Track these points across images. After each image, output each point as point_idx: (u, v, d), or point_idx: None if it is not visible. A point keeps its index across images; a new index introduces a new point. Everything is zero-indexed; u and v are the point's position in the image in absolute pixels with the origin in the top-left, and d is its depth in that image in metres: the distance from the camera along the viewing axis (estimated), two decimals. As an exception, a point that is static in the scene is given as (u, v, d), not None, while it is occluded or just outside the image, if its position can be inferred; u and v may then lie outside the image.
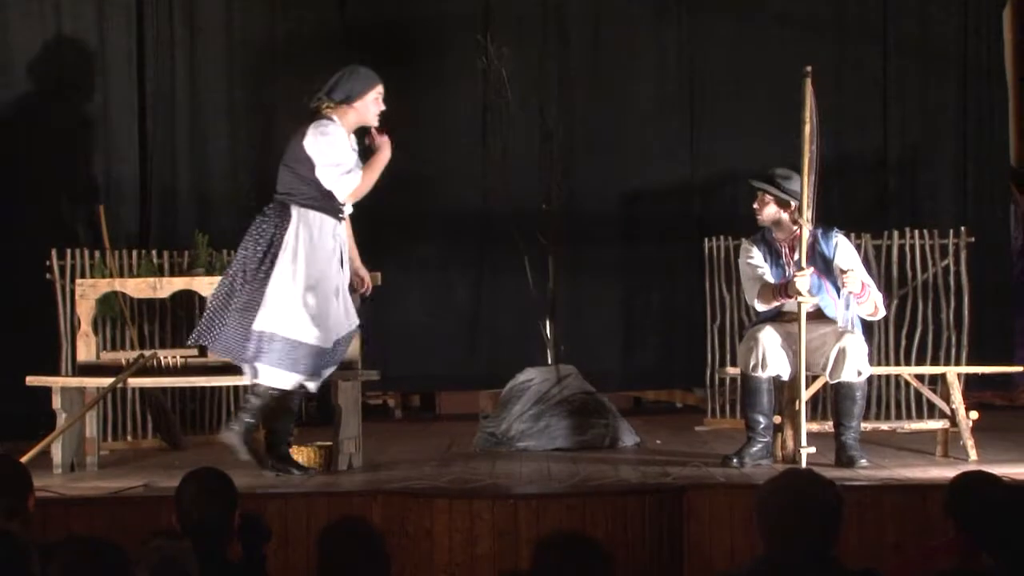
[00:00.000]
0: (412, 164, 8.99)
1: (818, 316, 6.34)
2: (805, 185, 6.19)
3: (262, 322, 6.07)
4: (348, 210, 6.37)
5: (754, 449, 6.37)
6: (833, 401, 6.60)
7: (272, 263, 6.12)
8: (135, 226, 8.74)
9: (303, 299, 6.10)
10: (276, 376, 6.11)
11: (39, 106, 8.61)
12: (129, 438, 7.86)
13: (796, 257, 6.37)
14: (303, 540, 5.37)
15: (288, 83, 9.05)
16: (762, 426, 6.38)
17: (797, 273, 6.21)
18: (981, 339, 8.19)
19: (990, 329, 8.51)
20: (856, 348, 6.32)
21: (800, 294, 6.17)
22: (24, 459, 5.57)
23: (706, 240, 8.45)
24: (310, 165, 6.17)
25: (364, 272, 6.55)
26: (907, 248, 8.18)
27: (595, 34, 9.15)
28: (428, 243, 8.96)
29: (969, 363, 7.82)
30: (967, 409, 6.65)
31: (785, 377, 6.39)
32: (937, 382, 7.24)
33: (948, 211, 8.90)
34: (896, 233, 8.20)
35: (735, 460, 6.32)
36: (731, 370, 7.16)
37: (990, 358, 7.81)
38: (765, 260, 6.49)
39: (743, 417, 6.62)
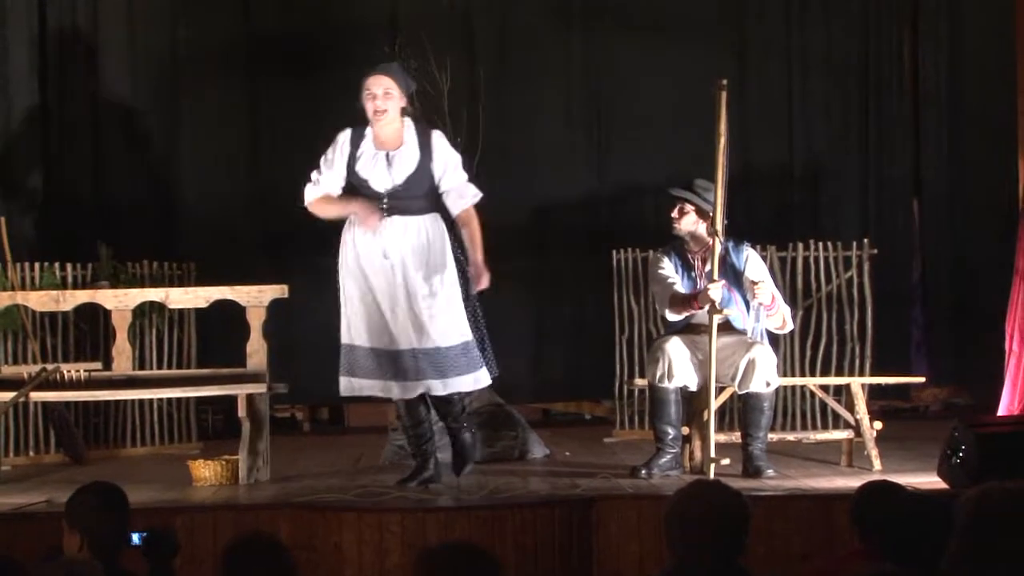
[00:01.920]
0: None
1: (726, 327, 6.38)
2: (719, 197, 6.24)
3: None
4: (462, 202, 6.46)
5: (663, 460, 6.40)
6: (741, 412, 6.65)
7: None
8: (37, 238, 8.59)
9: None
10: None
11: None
12: (31, 453, 7.71)
13: (707, 269, 6.40)
14: (209, 555, 5.29)
15: (191, 91, 9.00)
16: (670, 437, 6.41)
17: (710, 283, 6.25)
18: (882, 348, 8.29)
19: (891, 338, 8.63)
20: (765, 359, 6.37)
21: (713, 302, 6.21)
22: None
23: (614, 252, 8.48)
24: None
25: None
26: (811, 260, 8.26)
27: (501, 47, 9.16)
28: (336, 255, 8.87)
29: (872, 373, 7.92)
30: (871, 419, 6.74)
31: (692, 388, 6.43)
32: (842, 392, 7.32)
33: (851, 223, 9.02)
34: (800, 245, 8.28)
35: (644, 471, 6.35)
36: (639, 382, 7.19)
37: (891, 366, 7.93)
38: (676, 271, 6.52)
39: (652, 428, 6.65)
